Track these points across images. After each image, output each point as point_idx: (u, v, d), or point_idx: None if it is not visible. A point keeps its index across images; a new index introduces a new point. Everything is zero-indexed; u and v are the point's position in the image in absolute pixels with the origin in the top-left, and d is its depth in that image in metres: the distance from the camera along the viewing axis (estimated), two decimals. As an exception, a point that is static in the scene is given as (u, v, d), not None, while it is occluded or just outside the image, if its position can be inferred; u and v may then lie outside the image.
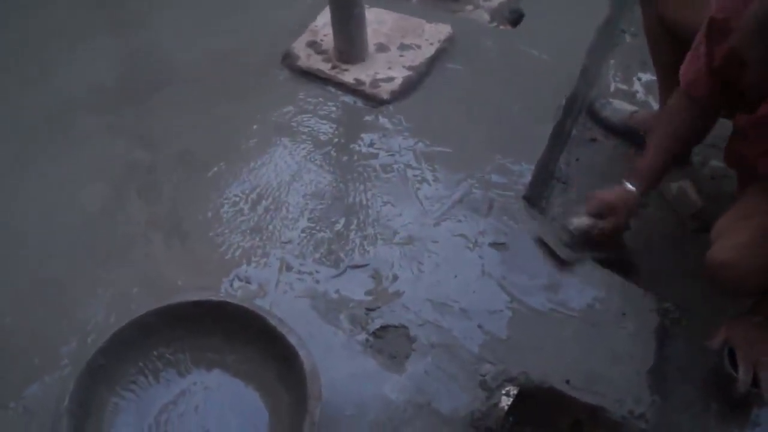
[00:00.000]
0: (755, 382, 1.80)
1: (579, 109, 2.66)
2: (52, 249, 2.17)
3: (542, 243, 2.12)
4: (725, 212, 1.86)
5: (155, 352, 1.82)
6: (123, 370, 1.78)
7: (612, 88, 2.77)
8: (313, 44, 2.71)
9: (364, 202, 2.25)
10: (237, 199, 2.27)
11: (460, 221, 2.19)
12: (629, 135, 2.52)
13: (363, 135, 2.45)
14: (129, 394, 1.78)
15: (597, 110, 2.61)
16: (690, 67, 1.90)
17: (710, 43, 1.79)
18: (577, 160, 2.52)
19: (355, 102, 2.56)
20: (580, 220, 2.10)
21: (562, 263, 2.08)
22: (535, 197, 2.34)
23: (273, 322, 1.75)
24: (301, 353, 1.69)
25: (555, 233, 2.15)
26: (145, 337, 1.80)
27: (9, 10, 3.06)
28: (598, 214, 2.07)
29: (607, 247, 2.14)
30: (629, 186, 2.03)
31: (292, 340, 1.72)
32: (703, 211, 2.27)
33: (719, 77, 1.83)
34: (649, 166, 2.04)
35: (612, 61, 2.89)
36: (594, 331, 1.95)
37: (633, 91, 2.73)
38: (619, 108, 2.57)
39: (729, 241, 1.77)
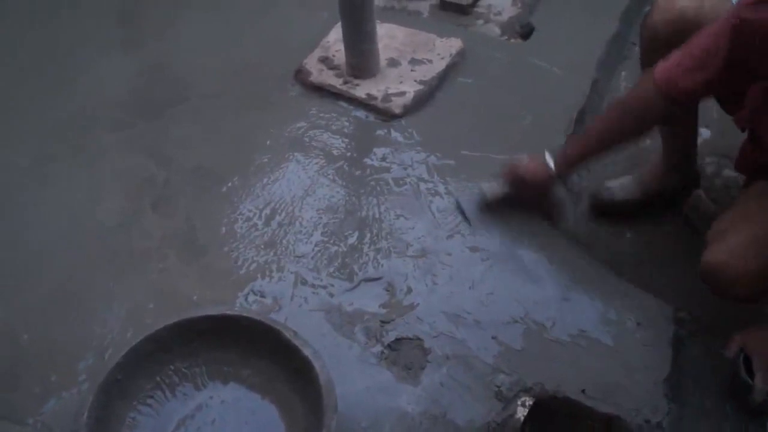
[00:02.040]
0: (771, 390, 1.79)
1: (590, 121, 2.67)
2: (68, 264, 2.19)
3: (457, 205, 2.24)
4: (725, 212, 1.87)
5: (171, 367, 1.82)
6: (139, 385, 1.78)
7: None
8: (325, 60, 2.73)
9: (377, 215, 2.26)
10: (251, 214, 2.28)
11: (473, 234, 2.19)
12: (652, 202, 2.39)
13: (375, 149, 2.46)
14: (146, 409, 1.78)
15: (608, 200, 2.40)
16: (685, 70, 1.77)
17: (733, 63, 1.68)
18: (588, 171, 2.52)
19: (367, 116, 2.57)
20: (490, 185, 2.21)
21: (468, 222, 2.19)
22: (548, 209, 2.33)
23: (288, 335, 1.75)
24: (317, 366, 1.69)
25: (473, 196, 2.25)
26: (161, 351, 1.80)
27: (26, 26, 3.09)
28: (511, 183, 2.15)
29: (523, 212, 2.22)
30: (549, 161, 2.06)
31: (307, 352, 1.72)
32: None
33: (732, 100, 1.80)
34: (581, 154, 2.03)
35: (623, 73, 2.90)
36: (609, 340, 1.95)
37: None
38: (623, 186, 2.40)
39: (722, 244, 1.77)
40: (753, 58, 1.62)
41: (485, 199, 2.22)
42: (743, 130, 1.94)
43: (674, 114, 1.88)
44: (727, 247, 1.75)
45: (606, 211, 2.40)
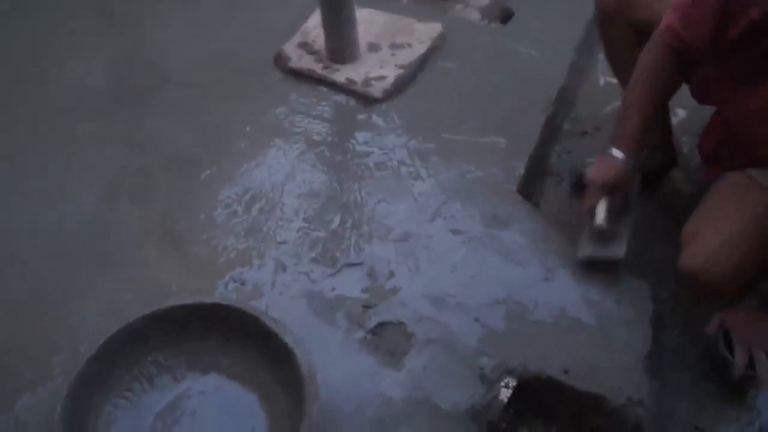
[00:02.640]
0: (751, 365, 1.80)
1: (569, 102, 2.66)
2: (44, 256, 2.16)
3: (590, 262, 2.02)
4: (693, 212, 1.88)
5: (149, 358, 1.80)
6: (117, 377, 1.77)
7: (601, 83, 2.76)
8: (304, 45, 2.71)
9: (359, 200, 2.24)
10: (230, 201, 2.26)
11: (454, 217, 2.18)
12: None
13: (356, 134, 2.44)
14: (123, 402, 1.77)
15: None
16: (684, 15, 1.77)
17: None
18: (569, 152, 2.51)
19: (347, 101, 2.55)
20: (599, 215, 1.96)
21: (618, 263, 2.00)
22: (529, 191, 2.33)
23: (267, 322, 1.74)
24: (297, 353, 1.68)
25: (591, 243, 2.04)
26: (138, 343, 1.78)
27: (2, 17, 3.05)
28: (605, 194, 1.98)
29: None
30: (616, 154, 1.94)
31: (288, 340, 1.71)
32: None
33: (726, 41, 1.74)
34: (632, 134, 1.94)
35: (600, 56, 2.87)
36: (591, 320, 1.94)
37: (621, 83, 2.72)
38: None
39: (696, 247, 1.79)
40: None
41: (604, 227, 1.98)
42: (700, 102, 1.98)
43: (688, 62, 1.86)
44: (701, 250, 1.77)
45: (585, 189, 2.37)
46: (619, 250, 1.99)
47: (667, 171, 2.33)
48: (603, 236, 2.00)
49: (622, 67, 2.19)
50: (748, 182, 1.83)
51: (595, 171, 1.98)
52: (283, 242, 2.14)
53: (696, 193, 2.24)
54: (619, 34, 2.14)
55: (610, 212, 1.96)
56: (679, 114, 2.52)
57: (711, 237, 1.78)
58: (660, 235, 2.23)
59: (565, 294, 2.00)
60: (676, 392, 1.90)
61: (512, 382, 1.81)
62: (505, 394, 1.79)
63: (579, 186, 2.04)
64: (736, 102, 1.82)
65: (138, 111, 2.59)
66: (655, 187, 2.35)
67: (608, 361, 1.85)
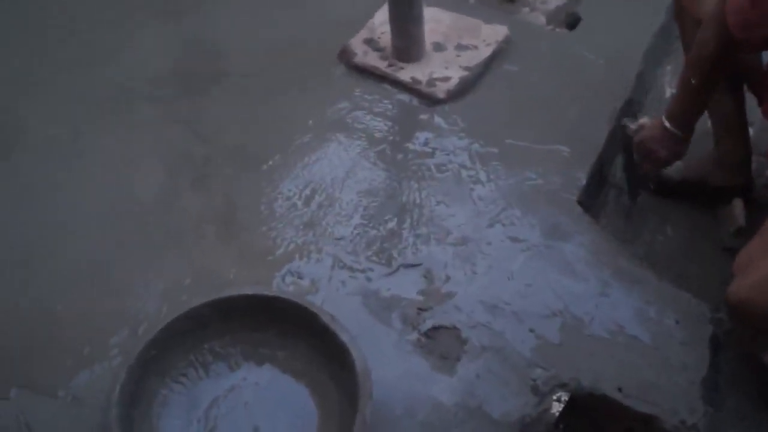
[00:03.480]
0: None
1: (634, 113, 2.62)
2: (105, 236, 2.20)
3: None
4: (752, 239, 1.84)
5: (206, 345, 1.82)
6: (173, 361, 1.79)
7: (667, 94, 2.72)
8: (370, 41, 2.71)
9: (418, 201, 2.24)
10: (291, 194, 2.27)
11: (513, 224, 2.17)
12: (690, 189, 2.36)
13: (418, 134, 2.44)
14: (179, 387, 1.79)
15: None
16: (744, 20, 1.75)
17: None
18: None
19: (410, 100, 2.55)
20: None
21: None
22: (590, 202, 2.31)
23: (325, 319, 1.75)
24: (353, 352, 1.69)
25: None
26: (196, 329, 1.80)
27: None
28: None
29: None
30: (667, 125, 2.04)
31: (344, 338, 1.71)
32: (742, 231, 2.20)
33: None
34: (686, 111, 2.03)
35: (668, 67, 2.84)
36: (647, 338, 1.92)
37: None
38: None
39: (747, 279, 1.74)
40: None
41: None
42: None
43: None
44: (751, 283, 1.72)
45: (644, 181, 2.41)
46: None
47: (733, 193, 2.28)
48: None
49: None
50: None
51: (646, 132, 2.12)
52: (341, 238, 2.15)
53: (745, 227, 2.21)
54: (692, 29, 2.08)
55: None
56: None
57: (761, 268, 1.72)
58: (721, 255, 2.20)
59: (622, 310, 1.98)
60: (732, 418, 1.86)
61: (564, 396, 1.81)
62: (556, 408, 1.79)
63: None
64: None
65: (201, 98, 2.61)
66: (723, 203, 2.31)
67: (663, 381, 1.83)
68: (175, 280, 2.06)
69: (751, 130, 2.31)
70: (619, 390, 1.81)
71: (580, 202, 2.24)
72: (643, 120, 2.19)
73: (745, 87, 2.14)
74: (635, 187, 2.35)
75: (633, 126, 2.21)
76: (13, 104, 2.63)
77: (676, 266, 2.23)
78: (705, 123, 2.24)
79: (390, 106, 2.53)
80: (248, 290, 1.84)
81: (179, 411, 1.76)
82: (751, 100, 2.14)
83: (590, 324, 1.95)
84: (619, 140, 2.29)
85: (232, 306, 1.81)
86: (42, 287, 2.08)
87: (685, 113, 2.03)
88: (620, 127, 2.29)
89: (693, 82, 1.94)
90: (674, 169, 2.32)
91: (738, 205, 2.26)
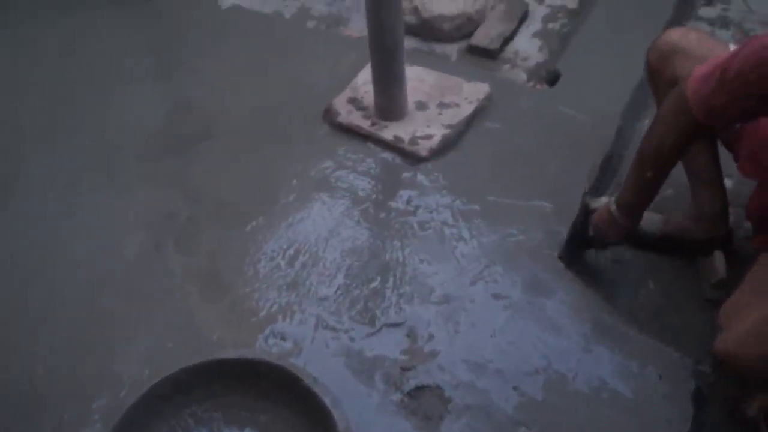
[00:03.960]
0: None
1: (614, 168, 2.66)
2: (88, 298, 2.21)
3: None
4: (736, 291, 1.86)
5: (188, 410, 1.82)
6: (155, 427, 1.78)
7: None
8: (353, 101, 2.74)
9: (401, 259, 2.25)
10: (275, 254, 2.29)
11: (496, 281, 2.18)
12: (671, 243, 2.37)
13: (401, 192, 2.46)
14: (160, 452, 1.78)
15: None
16: (705, 103, 1.72)
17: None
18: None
19: (393, 159, 2.58)
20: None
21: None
22: (571, 257, 2.32)
23: (307, 382, 1.75)
24: (335, 414, 1.69)
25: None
26: (178, 394, 1.80)
27: (58, 56, 3.15)
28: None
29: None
30: (614, 211, 2.08)
31: (326, 400, 1.72)
32: (723, 283, 2.22)
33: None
34: (636, 204, 2.06)
35: (646, 122, 2.88)
36: (630, 393, 1.92)
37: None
38: (649, 218, 2.38)
39: (734, 331, 1.75)
40: None
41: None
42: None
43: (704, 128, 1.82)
44: (737, 336, 1.74)
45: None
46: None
47: (713, 246, 2.30)
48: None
49: None
50: None
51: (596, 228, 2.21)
52: (324, 298, 2.16)
53: (727, 278, 2.22)
54: (665, 90, 2.11)
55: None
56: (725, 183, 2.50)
57: (746, 321, 1.73)
58: (704, 307, 2.22)
59: (604, 365, 1.98)
60: (718, 473, 1.87)
61: (548, 455, 1.80)
62: (541, 467, 1.78)
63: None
64: None
65: (187, 157, 2.64)
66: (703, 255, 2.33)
67: (648, 437, 1.83)
68: (158, 343, 2.07)
69: (729, 182, 2.34)
70: (604, 447, 1.81)
71: (561, 258, 2.25)
72: (604, 199, 2.24)
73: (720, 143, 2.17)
74: (574, 248, 2.36)
75: (593, 205, 2.27)
76: (2, 163, 2.67)
77: (659, 319, 2.24)
78: (684, 176, 2.28)
79: (373, 165, 2.56)
80: (229, 354, 1.84)
81: (161, 477, 1.75)
82: (727, 153, 2.16)
83: (573, 380, 1.95)
84: (579, 211, 2.33)
85: (214, 371, 1.81)
86: (24, 349, 2.08)
87: (633, 206, 2.06)
88: (582, 202, 2.34)
89: (648, 175, 1.94)
90: (654, 224, 2.35)
91: (719, 258, 2.27)
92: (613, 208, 2.08)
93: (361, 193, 2.46)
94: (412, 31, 3.24)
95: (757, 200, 1.95)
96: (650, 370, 1.98)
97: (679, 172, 2.34)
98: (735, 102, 1.68)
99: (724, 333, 1.79)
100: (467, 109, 2.69)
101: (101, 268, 2.29)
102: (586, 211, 2.29)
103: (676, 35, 2.06)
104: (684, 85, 1.77)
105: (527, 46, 3.22)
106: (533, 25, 3.33)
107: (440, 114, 2.68)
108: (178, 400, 1.80)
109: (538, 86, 2.99)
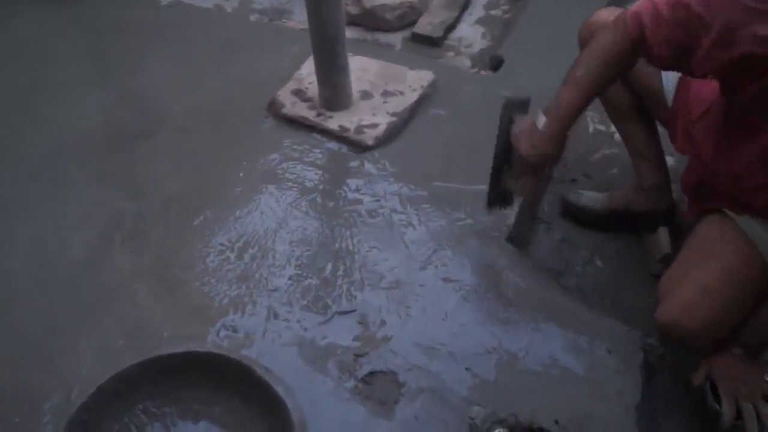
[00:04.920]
0: (739, 415, 1.80)
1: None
2: (36, 300, 2.17)
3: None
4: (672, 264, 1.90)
5: (140, 406, 1.81)
6: (107, 425, 1.77)
7: (590, 129, 2.79)
8: (298, 92, 2.74)
9: (351, 247, 2.26)
10: (223, 247, 2.27)
11: (446, 265, 2.20)
12: (616, 219, 2.40)
13: (348, 181, 2.47)
14: (113, 450, 1.76)
15: (573, 201, 2.46)
16: (656, 14, 1.64)
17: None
18: (559, 199, 2.53)
19: (340, 148, 2.58)
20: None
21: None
22: (520, 238, 2.35)
23: (259, 372, 1.75)
24: (288, 403, 1.69)
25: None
26: (129, 390, 1.79)
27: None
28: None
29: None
30: (540, 121, 1.92)
31: (279, 389, 1.72)
32: (668, 258, 2.24)
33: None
34: (565, 104, 1.88)
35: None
36: (581, 369, 1.95)
37: (611, 132, 2.73)
38: (593, 196, 2.44)
39: (671, 300, 1.80)
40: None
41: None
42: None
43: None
44: (675, 304, 1.78)
45: (568, 211, 2.46)
46: None
47: (663, 214, 2.34)
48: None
49: (619, 117, 2.27)
50: (726, 227, 1.82)
51: (522, 145, 1.97)
52: (275, 289, 2.15)
53: (672, 253, 2.24)
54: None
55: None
56: (667, 161, 2.54)
57: (685, 290, 1.77)
58: (650, 282, 2.24)
59: (554, 343, 2.01)
60: (669, 441, 1.90)
61: (503, 432, 1.82)
62: (495, 445, 1.80)
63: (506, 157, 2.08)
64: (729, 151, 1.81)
65: (132, 156, 2.62)
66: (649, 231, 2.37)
67: (599, 410, 1.86)
68: (108, 341, 2.04)
69: (670, 160, 2.38)
70: (556, 422, 1.83)
71: (509, 239, 2.28)
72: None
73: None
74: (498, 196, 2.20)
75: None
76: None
77: (607, 296, 2.27)
78: (627, 156, 2.32)
79: (320, 155, 2.56)
80: (180, 348, 1.83)
81: (115, 475, 1.74)
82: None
83: (524, 359, 1.98)
84: (501, 122, 2.10)
85: (164, 365, 1.80)
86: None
87: (559, 107, 1.91)
88: (503, 110, 2.09)
89: (578, 74, 1.85)
90: (599, 202, 2.39)
91: (663, 233, 2.31)
92: (540, 116, 1.94)
93: (308, 184, 2.46)
94: (355, 21, 3.26)
95: (691, 173, 1.99)
96: (599, 345, 2.01)
97: (622, 152, 2.38)
98: (671, 28, 1.62)
99: (663, 304, 1.82)
100: (412, 97, 2.70)
101: (47, 272, 2.25)
102: (509, 122, 2.06)
103: (603, 14, 2.10)
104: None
105: (470, 33, 3.25)
106: (476, 12, 3.37)
107: (385, 102, 2.69)
108: (130, 396, 1.78)
109: (482, 72, 3.02)
